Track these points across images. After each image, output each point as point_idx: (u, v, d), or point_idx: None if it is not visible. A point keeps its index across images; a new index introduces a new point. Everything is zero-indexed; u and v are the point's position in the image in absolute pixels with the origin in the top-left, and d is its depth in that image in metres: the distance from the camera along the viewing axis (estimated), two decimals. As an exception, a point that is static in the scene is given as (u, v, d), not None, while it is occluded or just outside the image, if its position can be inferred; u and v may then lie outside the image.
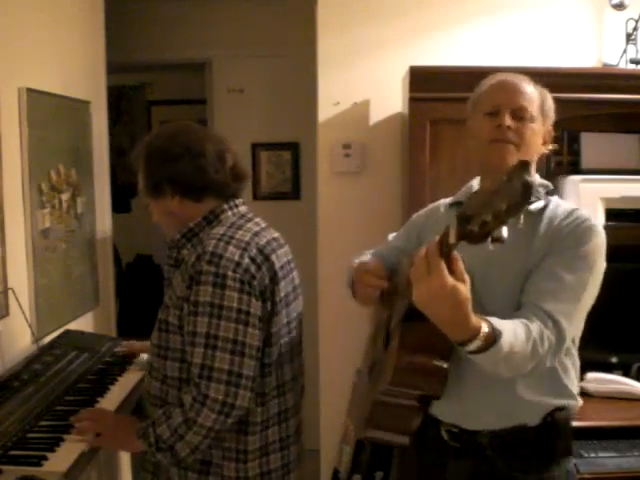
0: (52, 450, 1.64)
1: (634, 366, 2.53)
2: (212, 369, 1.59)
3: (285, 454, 1.76)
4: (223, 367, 1.59)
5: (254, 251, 1.67)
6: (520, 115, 1.63)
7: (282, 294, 1.72)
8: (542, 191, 1.66)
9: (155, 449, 1.64)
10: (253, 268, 1.64)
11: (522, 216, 1.15)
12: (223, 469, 1.69)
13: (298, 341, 1.84)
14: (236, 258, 1.62)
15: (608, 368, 2.49)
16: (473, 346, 1.35)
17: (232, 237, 1.67)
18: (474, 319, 1.33)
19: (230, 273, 1.60)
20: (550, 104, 1.69)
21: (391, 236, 2.01)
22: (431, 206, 1.90)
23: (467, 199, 1.23)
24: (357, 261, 1.87)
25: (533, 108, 1.64)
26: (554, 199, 1.66)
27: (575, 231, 1.56)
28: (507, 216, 1.13)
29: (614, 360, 2.53)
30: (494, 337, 1.36)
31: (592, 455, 2.21)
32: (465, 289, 1.29)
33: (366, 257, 1.90)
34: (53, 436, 1.70)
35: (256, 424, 1.70)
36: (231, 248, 1.64)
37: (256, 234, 1.72)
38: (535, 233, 1.59)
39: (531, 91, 1.66)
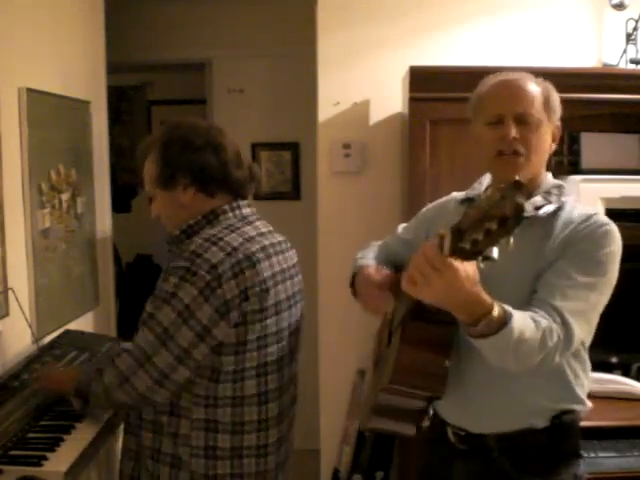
0: (52, 450, 1.64)
1: (634, 366, 2.53)
2: (137, 345, 1.64)
3: (261, 462, 1.72)
4: (141, 346, 1.63)
5: (239, 256, 1.63)
6: (524, 120, 1.55)
7: (271, 302, 1.69)
8: (555, 192, 1.60)
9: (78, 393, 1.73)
10: (226, 276, 1.60)
11: (511, 238, 1.13)
12: (191, 465, 1.68)
13: (289, 351, 1.79)
14: (213, 260, 1.60)
15: (608, 368, 2.49)
16: (487, 324, 1.34)
17: (220, 239, 1.64)
18: (486, 295, 1.34)
19: (201, 272, 1.59)
20: (555, 98, 1.61)
21: (401, 227, 1.97)
22: (442, 200, 1.85)
23: (465, 211, 1.22)
24: (359, 263, 1.84)
25: (537, 110, 1.56)
26: (569, 201, 1.60)
27: (592, 235, 1.52)
28: (498, 236, 1.13)
29: (614, 360, 2.52)
30: (505, 318, 1.35)
31: (592, 455, 2.20)
32: (472, 267, 1.29)
33: (368, 259, 1.86)
34: (53, 436, 1.71)
35: (226, 424, 1.67)
36: (214, 249, 1.61)
37: (249, 239, 1.68)
38: (548, 236, 1.54)
39: (533, 90, 1.58)
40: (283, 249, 1.79)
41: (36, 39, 2.40)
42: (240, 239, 1.66)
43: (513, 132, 1.55)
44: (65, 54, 2.67)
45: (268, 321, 1.69)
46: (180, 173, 1.69)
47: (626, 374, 2.51)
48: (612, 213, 2.29)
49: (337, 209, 3.01)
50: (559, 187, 1.62)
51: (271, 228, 1.81)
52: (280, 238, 1.81)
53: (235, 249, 1.63)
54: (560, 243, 1.53)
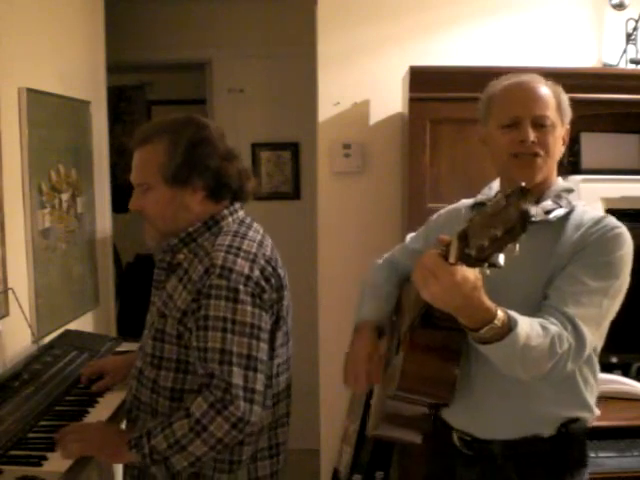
0: (52, 450, 1.63)
1: (634, 366, 2.53)
2: (230, 384, 1.54)
3: (274, 462, 1.72)
4: (239, 383, 1.54)
5: (262, 262, 1.64)
6: (541, 123, 1.54)
7: (285, 304, 1.71)
8: (565, 196, 1.58)
9: (150, 461, 1.57)
10: (262, 281, 1.61)
11: (517, 245, 1.11)
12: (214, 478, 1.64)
13: (291, 351, 1.79)
14: (246, 271, 1.59)
15: (608, 368, 2.48)
16: (490, 330, 1.32)
17: (239, 248, 1.63)
18: (488, 301, 1.33)
19: (241, 287, 1.57)
20: (565, 100, 1.60)
21: (409, 237, 1.96)
22: (452, 207, 1.83)
23: (471, 217, 1.21)
24: (360, 316, 1.84)
25: (552, 112, 1.55)
26: (580, 205, 1.59)
27: (603, 239, 1.50)
28: (504, 243, 1.11)
29: (614, 360, 2.52)
30: (510, 325, 1.33)
31: (592, 455, 2.18)
32: (471, 272, 1.28)
33: (368, 309, 1.85)
34: (53, 436, 1.70)
35: (253, 434, 1.65)
36: (240, 261, 1.60)
37: (260, 244, 1.69)
38: (558, 240, 1.53)
39: (546, 93, 1.57)
40: (274, 249, 1.78)
41: (36, 39, 2.40)
42: (254, 244, 1.66)
43: (532, 136, 1.53)
44: (65, 54, 2.67)
45: (284, 323, 1.71)
46: (198, 176, 1.65)
47: (626, 374, 2.52)
48: (612, 213, 2.30)
49: (337, 209, 3.01)
50: (569, 191, 1.61)
51: (263, 229, 1.79)
52: (269, 238, 1.78)
53: (255, 255, 1.64)
54: (571, 246, 1.52)
